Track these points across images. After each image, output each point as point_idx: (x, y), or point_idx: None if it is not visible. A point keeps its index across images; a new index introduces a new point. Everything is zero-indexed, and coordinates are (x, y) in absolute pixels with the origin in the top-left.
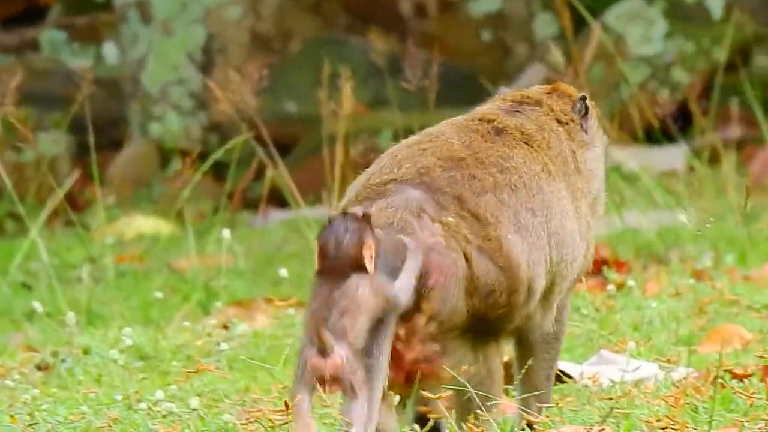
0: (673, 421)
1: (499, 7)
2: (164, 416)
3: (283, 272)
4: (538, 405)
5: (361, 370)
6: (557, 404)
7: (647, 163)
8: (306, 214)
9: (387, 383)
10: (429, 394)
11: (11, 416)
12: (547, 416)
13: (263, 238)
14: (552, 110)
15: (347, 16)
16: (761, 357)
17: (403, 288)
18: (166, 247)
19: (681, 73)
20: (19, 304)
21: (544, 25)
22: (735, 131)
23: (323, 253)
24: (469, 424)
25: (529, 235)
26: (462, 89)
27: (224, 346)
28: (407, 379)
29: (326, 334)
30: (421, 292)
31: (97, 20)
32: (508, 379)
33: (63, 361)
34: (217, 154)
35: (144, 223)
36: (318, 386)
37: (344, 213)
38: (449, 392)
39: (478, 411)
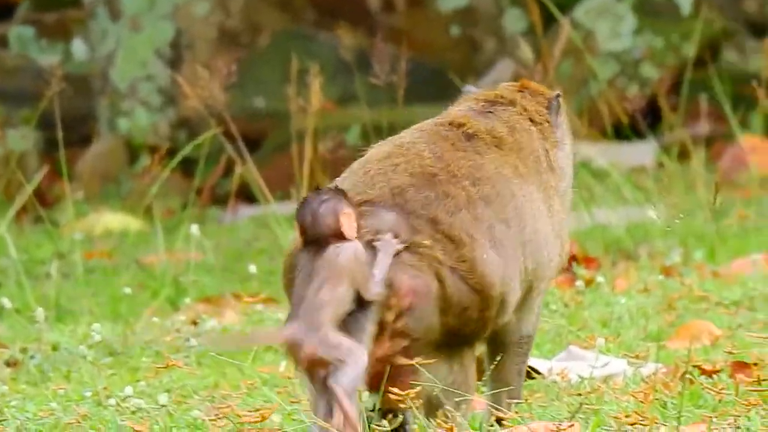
0: (641, 416)
1: (468, 2)
2: (133, 412)
3: (252, 268)
4: (509, 401)
5: (344, 341)
6: (526, 400)
7: (616, 159)
8: (275, 210)
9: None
10: (398, 391)
11: None
12: (516, 412)
13: (232, 234)
14: (526, 110)
15: (315, 11)
16: (730, 353)
17: (376, 278)
18: (135, 243)
19: (650, 69)
20: None
21: (514, 21)
22: (704, 127)
23: (303, 229)
24: (438, 421)
25: (504, 250)
26: (431, 84)
27: (193, 341)
28: (376, 378)
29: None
30: (393, 310)
31: (66, 16)
32: (479, 374)
33: (32, 357)
34: (186, 150)
35: (113, 219)
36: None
37: (317, 188)
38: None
39: (449, 409)
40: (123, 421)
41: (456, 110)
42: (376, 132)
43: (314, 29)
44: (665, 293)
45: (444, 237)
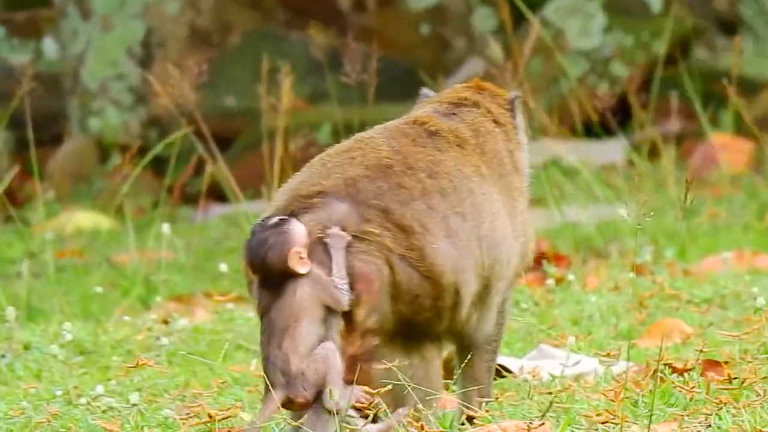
0: (612, 415)
1: (438, 1)
2: (104, 411)
3: (223, 267)
4: (480, 399)
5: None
6: (497, 399)
7: (586, 157)
8: (246, 209)
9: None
10: (369, 390)
11: None
12: (487, 411)
13: (203, 233)
14: (490, 111)
15: (286, 11)
16: (701, 351)
17: (339, 286)
18: (106, 242)
19: (620, 67)
20: None
21: (483, 19)
22: (674, 125)
23: (254, 270)
24: (409, 419)
25: (459, 241)
26: (401, 83)
27: (164, 340)
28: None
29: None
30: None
31: (37, 15)
32: (449, 373)
33: (3, 356)
34: (157, 149)
35: (84, 218)
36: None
37: (262, 224)
38: (387, 388)
39: (417, 408)
40: (94, 420)
41: (420, 112)
42: (347, 130)
43: (285, 28)
44: (636, 291)
45: (394, 226)
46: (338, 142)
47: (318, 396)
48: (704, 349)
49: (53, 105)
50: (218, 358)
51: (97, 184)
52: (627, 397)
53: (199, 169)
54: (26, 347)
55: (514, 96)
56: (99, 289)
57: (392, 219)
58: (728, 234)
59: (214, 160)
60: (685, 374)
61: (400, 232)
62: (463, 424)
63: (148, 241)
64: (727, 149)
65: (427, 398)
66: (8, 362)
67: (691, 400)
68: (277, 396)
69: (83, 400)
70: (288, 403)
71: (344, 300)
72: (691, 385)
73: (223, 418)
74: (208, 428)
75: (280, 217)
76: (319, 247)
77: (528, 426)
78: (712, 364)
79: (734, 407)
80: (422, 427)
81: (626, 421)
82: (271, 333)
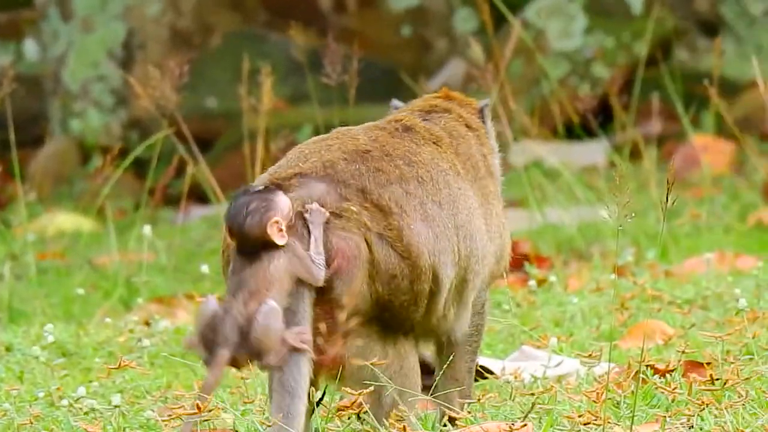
0: (595, 416)
1: (419, 2)
2: (86, 413)
3: (205, 268)
4: (461, 400)
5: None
6: (479, 400)
7: (568, 158)
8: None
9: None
10: (350, 390)
11: None
12: (469, 412)
13: (184, 235)
14: (462, 117)
15: (267, 12)
16: (683, 352)
17: (316, 260)
18: (88, 243)
19: (601, 68)
20: None
21: (464, 20)
22: (656, 126)
23: (231, 234)
24: (391, 421)
25: (436, 226)
26: (382, 84)
27: (146, 342)
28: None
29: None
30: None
31: (18, 17)
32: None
33: None
34: (138, 151)
35: (65, 220)
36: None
37: (246, 190)
38: (369, 390)
39: (397, 407)
40: (76, 421)
41: (394, 115)
42: (328, 131)
43: (266, 29)
44: (618, 293)
45: (372, 206)
46: None
47: (262, 357)
48: (686, 350)
49: (34, 106)
50: (200, 360)
51: (79, 185)
52: (609, 398)
53: (180, 171)
54: (8, 349)
55: (483, 104)
56: (80, 291)
57: (370, 199)
58: (710, 235)
59: (195, 161)
60: (667, 375)
61: (378, 212)
62: (444, 425)
63: (130, 243)
64: (708, 150)
65: (410, 399)
66: None
67: (673, 401)
68: (223, 355)
69: (65, 402)
70: (232, 363)
71: (319, 274)
72: (673, 386)
73: (205, 420)
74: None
75: (266, 185)
76: (298, 222)
77: (510, 427)
78: (694, 365)
79: (716, 408)
80: (404, 429)
81: (608, 422)
82: (239, 289)
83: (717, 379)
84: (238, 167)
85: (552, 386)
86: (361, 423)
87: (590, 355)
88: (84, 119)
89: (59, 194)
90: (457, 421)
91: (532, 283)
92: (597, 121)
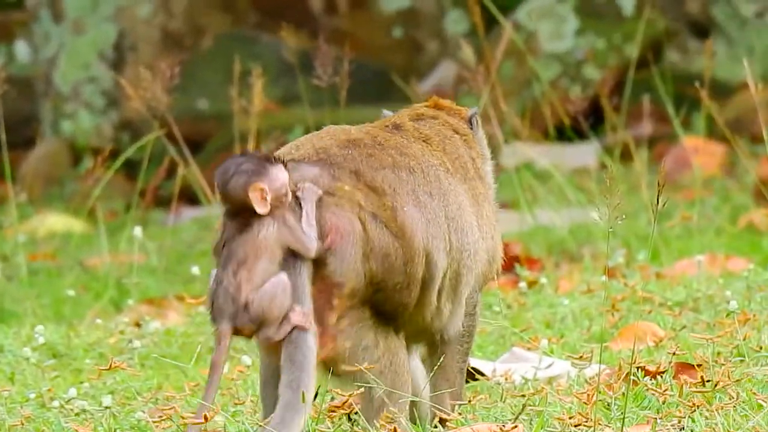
0: (585, 418)
1: (410, 3)
2: (77, 414)
3: (195, 270)
4: (452, 402)
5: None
6: (470, 401)
7: (559, 160)
8: (218, 212)
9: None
10: (341, 392)
11: None
12: (460, 413)
13: (175, 236)
14: (449, 123)
15: (258, 13)
16: (674, 354)
17: (307, 232)
18: (79, 245)
19: (592, 70)
20: None
21: (455, 22)
22: (647, 128)
23: (215, 187)
24: (382, 422)
25: (427, 212)
26: (373, 86)
27: (136, 343)
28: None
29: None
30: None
31: (9, 18)
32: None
33: None
34: (129, 152)
35: (56, 221)
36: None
37: (242, 153)
38: (359, 391)
39: (386, 406)
40: (67, 423)
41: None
42: None
43: (257, 31)
44: (608, 294)
45: (366, 187)
46: None
47: (262, 327)
48: (677, 352)
49: (25, 108)
50: (190, 361)
51: (70, 186)
52: (600, 400)
53: (171, 172)
54: None
55: (472, 113)
56: (71, 292)
57: (363, 180)
58: (701, 237)
59: (186, 163)
60: (658, 377)
61: (371, 192)
62: (435, 426)
63: (121, 245)
64: (699, 152)
65: (400, 401)
66: None
67: (663, 402)
68: (224, 328)
69: (56, 403)
70: (235, 333)
71: (311, 244)
72: (663, 388)
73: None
74: (180, 431)
75: (272, 155)
76: (291, 198)
77: (501, 429)
78: (684, 367)
79: (707, 410)
80: (395, 430)
81: (599, 424)
82: (229, 260)
83: (708, 381)
84: None
85: (543, 388)
86: (352, 424)
87: (581, 356)
88: (75, 121)
89: (50, 195)
90: (447, 423)
91: (523, 284)
92: (588, 122)
